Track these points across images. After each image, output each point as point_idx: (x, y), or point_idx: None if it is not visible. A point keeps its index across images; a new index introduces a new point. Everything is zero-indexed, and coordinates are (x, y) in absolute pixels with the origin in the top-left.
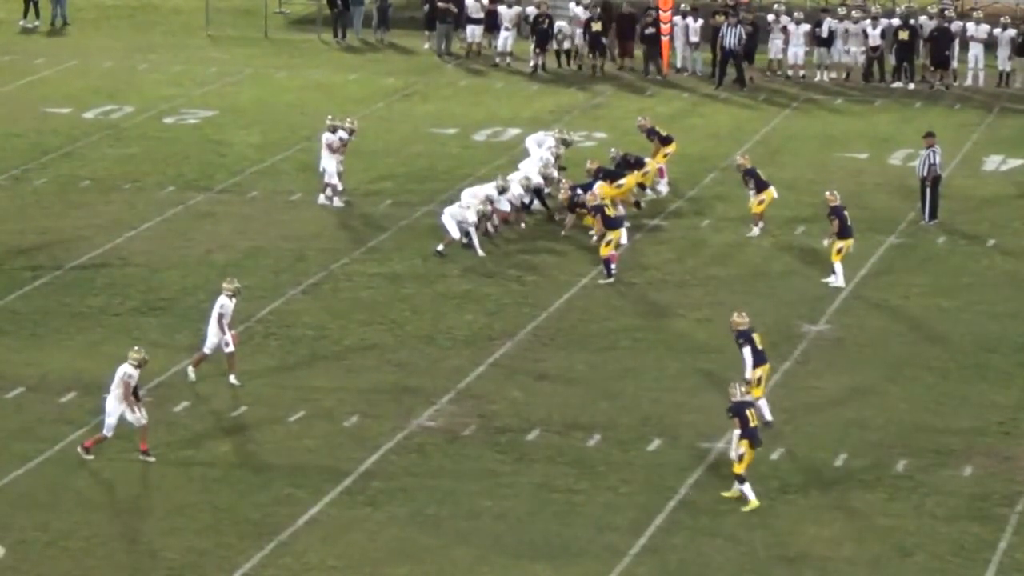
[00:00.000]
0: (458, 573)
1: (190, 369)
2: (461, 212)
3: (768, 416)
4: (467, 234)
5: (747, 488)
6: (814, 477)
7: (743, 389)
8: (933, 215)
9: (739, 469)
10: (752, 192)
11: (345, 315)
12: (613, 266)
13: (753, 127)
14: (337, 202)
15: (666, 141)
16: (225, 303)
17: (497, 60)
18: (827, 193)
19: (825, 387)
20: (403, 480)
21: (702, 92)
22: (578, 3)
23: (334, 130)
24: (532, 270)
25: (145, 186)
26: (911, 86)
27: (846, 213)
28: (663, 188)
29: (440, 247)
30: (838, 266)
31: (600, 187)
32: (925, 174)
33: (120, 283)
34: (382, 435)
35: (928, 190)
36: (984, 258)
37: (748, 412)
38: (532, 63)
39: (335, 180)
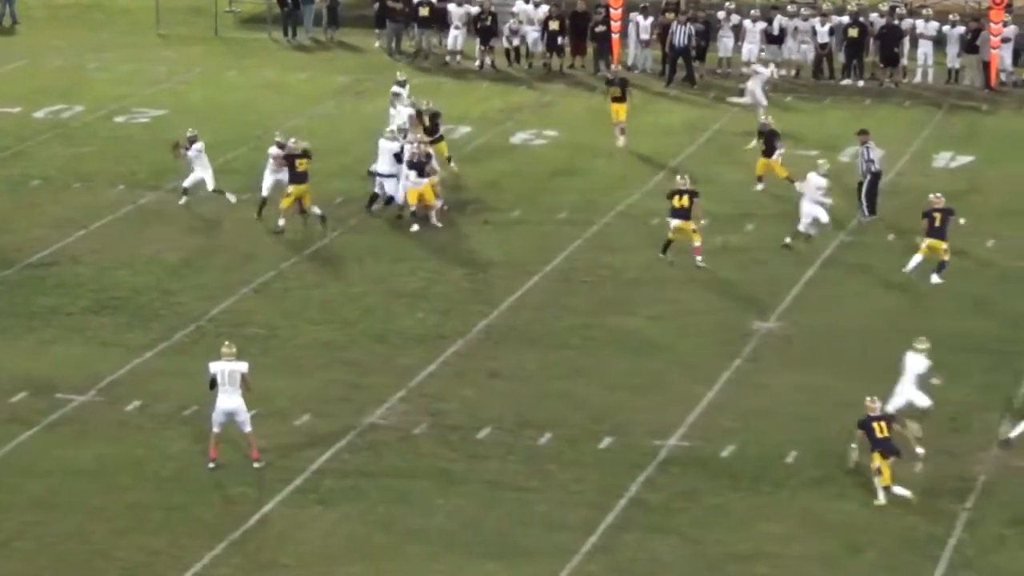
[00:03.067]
0: (411, 571)
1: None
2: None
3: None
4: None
5: (882, 490)
6: (765, 474)
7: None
8: (872, 211)
9: (884, 482)
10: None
11: (296, 314)
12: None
13: (703, 124)
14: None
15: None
16: (920, 361)
17: (447, 59)
18: (932, 196)
19: (775, 385)
20: (355, 479)
21: (653, 90)
22: (527, 1)
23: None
24: (483, 268)
25: (96, 185)
26: (861, 83)
27: (935, 214)
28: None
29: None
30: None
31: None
32: (864, 170)
33: (71, 282)
34: (334, 434)
35: (866, 186)
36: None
37: (875, 425)
38: (478, 61)
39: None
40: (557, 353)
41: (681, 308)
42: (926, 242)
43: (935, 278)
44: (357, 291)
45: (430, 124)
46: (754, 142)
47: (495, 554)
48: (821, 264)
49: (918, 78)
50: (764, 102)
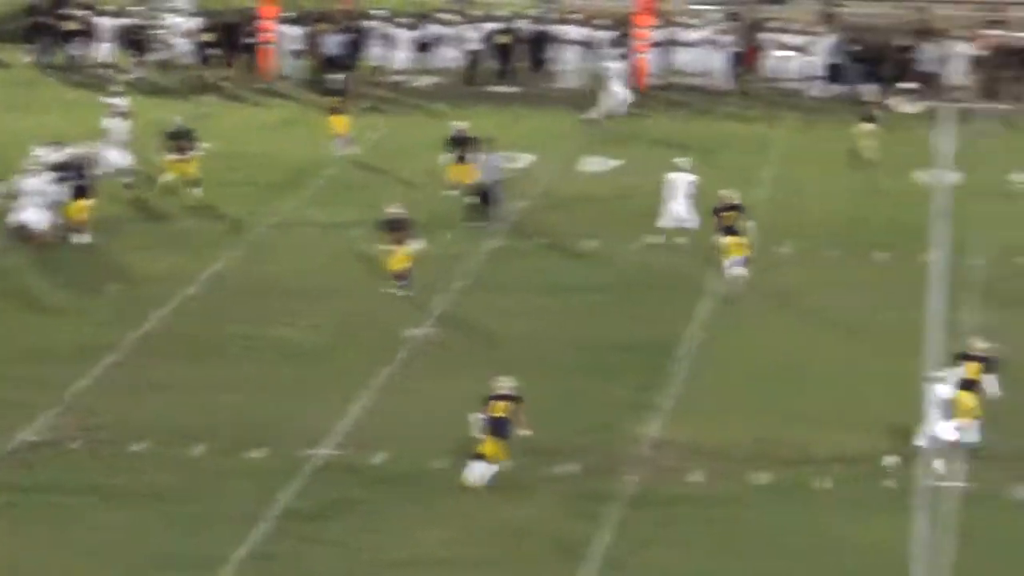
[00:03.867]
0: None
1: None
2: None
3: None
4: None
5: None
6: (420, 480)
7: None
8: (495, 217)
9: (490, 458)
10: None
11: None
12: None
13: (359, 134)
14: None
15: None
16: None
17: (99, 72)
18: (723, 192)
19: (428, 390)
20: (10, 495)
21: (305, 100)
22: (177, 13)
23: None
24: (139, 281)
25: None
26: (511, 89)
27: (724, 213)
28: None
29: None
30: None
31: None
32: (487, 178)
33: None
34: None
35: (489, 193)
36: (582, 258)
37: (491, 403)
38: (131, 74)
39: None
40: (213, 363)
41: (339, 317)
42: (722, 240)
43: (736, 270)
44: (9, 306)
45: (181, 143)
46: (444, 154)
47: (151, 566)
48: (475, 270)
49: (568, 83)
50: (623, 95)
